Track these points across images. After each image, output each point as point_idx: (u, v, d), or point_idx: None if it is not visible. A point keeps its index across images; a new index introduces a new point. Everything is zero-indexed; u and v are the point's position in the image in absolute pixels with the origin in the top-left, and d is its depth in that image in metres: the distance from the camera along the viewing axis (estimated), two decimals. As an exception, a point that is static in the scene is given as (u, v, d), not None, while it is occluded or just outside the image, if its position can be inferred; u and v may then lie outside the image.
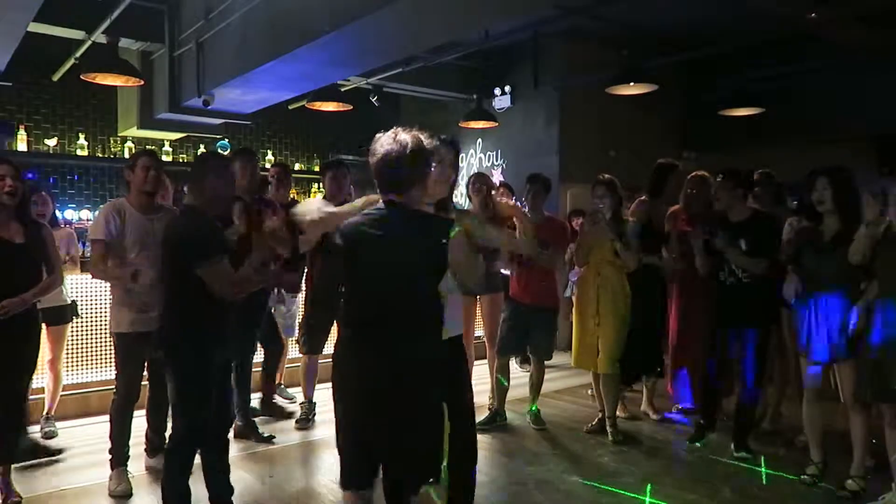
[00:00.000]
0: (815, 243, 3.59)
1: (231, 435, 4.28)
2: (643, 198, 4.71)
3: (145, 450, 3.84)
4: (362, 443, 2.36)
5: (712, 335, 4.15)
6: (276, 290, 4.72)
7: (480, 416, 4.78)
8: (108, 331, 4.87)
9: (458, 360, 2.79)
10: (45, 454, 4.06)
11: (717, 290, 4.09)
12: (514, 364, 6.11)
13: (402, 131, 2.31)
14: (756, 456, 4.04)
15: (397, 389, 2.26)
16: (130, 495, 3.51)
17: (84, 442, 4.32)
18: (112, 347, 3.65)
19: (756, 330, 3.98)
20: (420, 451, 2.33)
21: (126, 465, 3.62)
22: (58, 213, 6.84)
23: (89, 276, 4.58)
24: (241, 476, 3.76)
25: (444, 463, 2.38)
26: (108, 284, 3.72)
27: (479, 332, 5.41)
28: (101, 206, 3.81)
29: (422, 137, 2.33)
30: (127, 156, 7.78)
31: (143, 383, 3.68)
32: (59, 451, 4.13)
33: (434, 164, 2.44)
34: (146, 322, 3.47)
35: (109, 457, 3.60)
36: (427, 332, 2.33)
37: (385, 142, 2.31)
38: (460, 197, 8.59)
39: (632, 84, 6.03)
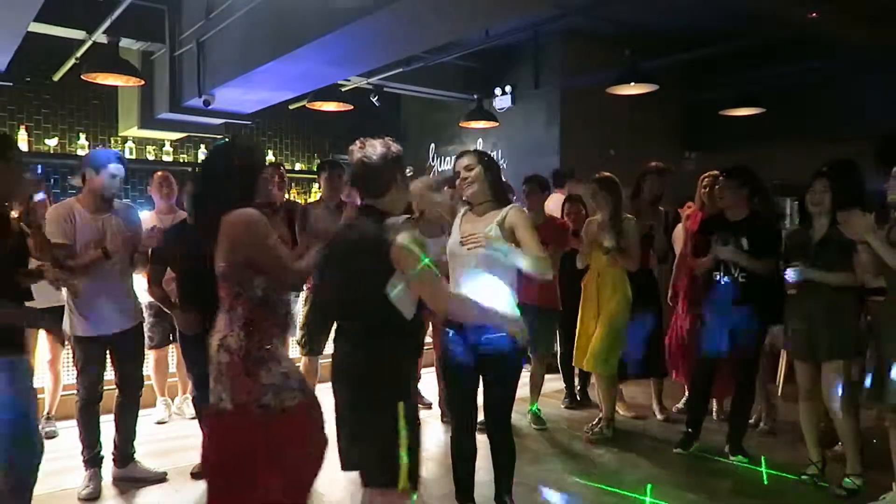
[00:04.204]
0: (803, 246, 3.57)
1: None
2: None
3: (113, 460, 3.76)
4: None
5: (704, 336, 4.10)
6: None
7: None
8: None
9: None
10: None
11: (710, 288, 4.03)
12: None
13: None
14: (756, 456, 4.04)
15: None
16: (97, 498, 3.51)
17: (84, 442, 4.32)
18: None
19: (753, 329, 3.96)
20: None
21: (100, 467, 3.63)
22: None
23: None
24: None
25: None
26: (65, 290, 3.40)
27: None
28: (50, 209, 3.58)
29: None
30: (128, 155, 7.77)
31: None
32: None
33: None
34: (103, 325, 3.48)
35: (82, 459, 3.60)
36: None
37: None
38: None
39: (632, 84, 6.02)
